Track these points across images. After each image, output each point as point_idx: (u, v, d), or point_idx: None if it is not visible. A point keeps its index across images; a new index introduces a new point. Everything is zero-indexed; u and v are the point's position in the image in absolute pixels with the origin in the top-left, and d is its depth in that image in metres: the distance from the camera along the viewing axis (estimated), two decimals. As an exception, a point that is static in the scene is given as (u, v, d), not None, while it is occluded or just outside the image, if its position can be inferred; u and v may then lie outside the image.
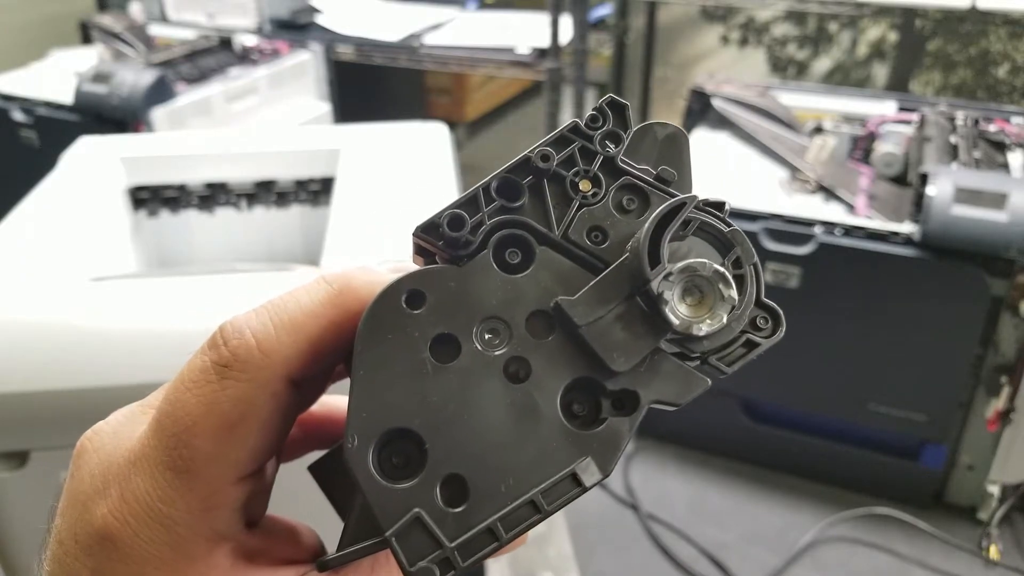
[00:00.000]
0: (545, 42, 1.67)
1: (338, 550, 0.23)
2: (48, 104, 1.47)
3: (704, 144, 1.42)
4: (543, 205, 0.23)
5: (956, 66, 2.03)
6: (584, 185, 0.23)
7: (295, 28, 1.86)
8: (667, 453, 1.41)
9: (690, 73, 2.29)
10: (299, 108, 1.67)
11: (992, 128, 1.32)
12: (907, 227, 1.14)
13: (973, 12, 1.51)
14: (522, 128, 2.87)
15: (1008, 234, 1.04)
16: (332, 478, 0.28)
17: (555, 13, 1.61)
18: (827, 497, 1.31)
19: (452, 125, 1.56)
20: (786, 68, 2.27)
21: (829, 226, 1.16)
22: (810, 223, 1.17)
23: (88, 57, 1.70)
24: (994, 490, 1.21)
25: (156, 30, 1.85)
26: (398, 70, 1.91)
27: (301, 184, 1.06)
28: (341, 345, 0.23)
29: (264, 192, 1.06)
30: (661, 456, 1.40)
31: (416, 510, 0.21)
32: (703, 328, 0.21)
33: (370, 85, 2.12)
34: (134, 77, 1.37)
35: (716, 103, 1.47)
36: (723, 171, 1.35)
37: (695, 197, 0.22)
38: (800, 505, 1.30)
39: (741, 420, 1.34)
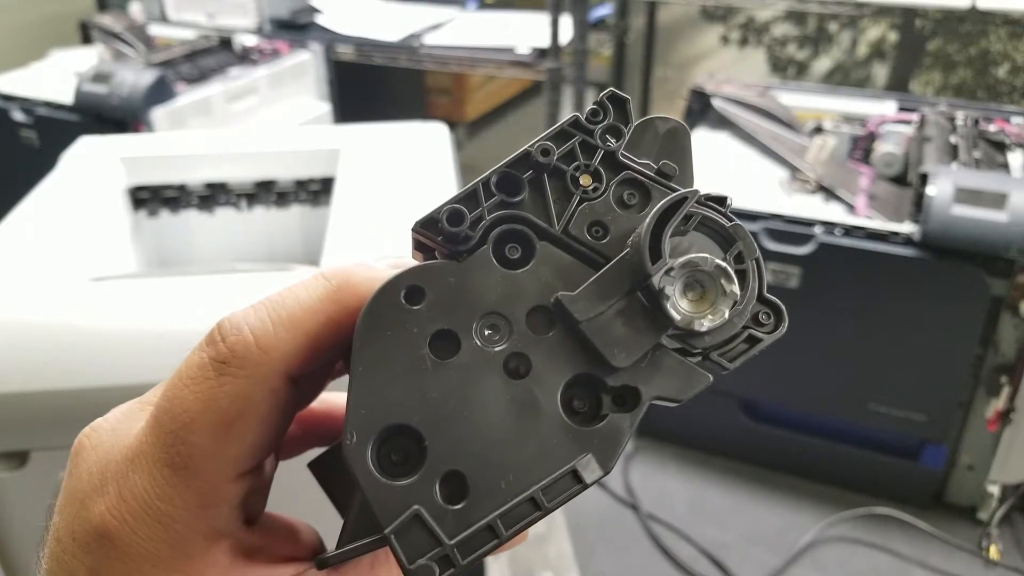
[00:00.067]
0: (545, 42, 1.67)
1: (337, 547, 0.23)
2: (48, 104, 1.47)
3: (704, 144, 1.42)
4: (543, 200, 0.23)
5: (956, 66, 2.03)
6: (585, 180, 0.23)
7: (295, 28, 1.86)
8: (667, 453, 1.41)
9: (690, 73, 2.28)
10: (299, 108, 1.67)
11: (992, 128, 1.32)
12: (907, 227, 1.14)
13: (973, 12, 1.51)
14: (522, 128, 2.87)
15: (1008, 234, 1.04)
16: (332, 475, 0.28)
17: (555, 13, 1.61)
18: (827, 497, 1.31)
19: (452, 125, 1.56)
20: (786, 68, 2.26)
21: (829, 226, 1.16)
22: (810, 223, 1.17)
23: (88, 57, 1.70)
24: (994, 490, 1.21)
25: (156, 30, 1.85)
26: (398, 70, 1.91)
27: (301, 184, 1.06)
28: (340, 341, 0.23)
29: (264, 192, 1.06)
30: (661, 456, 1.40)
31: (415, 507, 0.20)
32: (705, 324, 0.21)
33: (370, 85, 2.12)
34: (134, 77, 1.37)
35: (716, 103, 1.46)
36: (723, 171, 1.35)
37: (696, 192, 0.22)
38: (800, 505, 1.30)
39: (741, 420, 1.34)
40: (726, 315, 0.21)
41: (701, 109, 1.50)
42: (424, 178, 0.96)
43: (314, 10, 1.95)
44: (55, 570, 0.22)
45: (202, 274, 0.80)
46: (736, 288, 0.21)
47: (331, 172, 1.01)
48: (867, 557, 1.21)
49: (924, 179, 1.12)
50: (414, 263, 0.23)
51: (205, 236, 1.06)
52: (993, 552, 1.19)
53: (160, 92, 1.38)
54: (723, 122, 1.46)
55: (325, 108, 1.72)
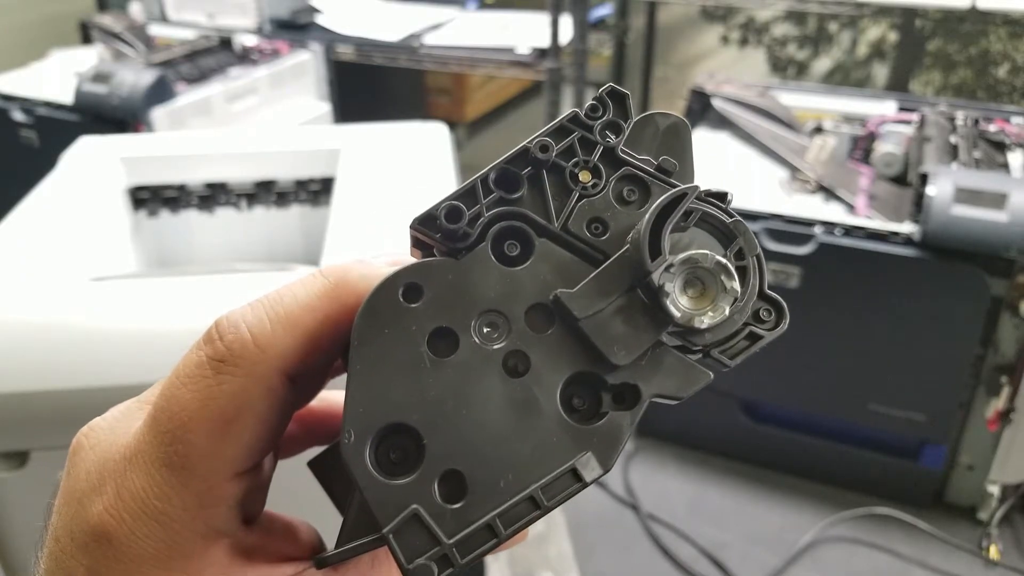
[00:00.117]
0: (545, 42, 1.67)
1: (336, 547, 0.23)
2: (48, 104, 1.47)
3: (704, 144, 1.42)
4: (542, 196, 0.23)
5: (956, 66, 2.03)
6: (584, 176, 0.23)
7: (295, 28, 1.86)
8: (667, 453, 1.41)
9: (690, 73, 2.28)
10: (299, 108, 1.67)
11: (992, 128, 1.32)
12: (907, 227, 1.14)
13: (973, 12, 1.51)
14: (522, 128, 2.87)
15: (1008, 234, 1.04)
16: (331, 474, 0.28)
17: (555, 13, 1.61)
18: (827, 497, 1.30)
19: (452, 125, 1.56)
20: (786, 68, 2.26)
21: (829, 226, 1.16)
22: (810, 223, 1.17)
23: (88, 57, 1.69)
24: (994, 490, 1.21)
25: (156, 30, 1.85)
26: (398, 70, 1.91)
27: (301, 184, 1.06)
28: (338, 339, 0.23)
29: (264, 192, 1.06)
30: (661, 456, 1.40)
31: (414, 506, 0.20)
32: (705, 321, 0.21)
33: (370, 85, 2.12)
34: (134, 77, 1.37)
35: (716, 103, 1.46)
36: (723, 171, 1.35)
37: (696, 187, 0.22)
38: (800, 505, 1.30)
39: (741, 420, 1.34)
40: (727, 312, 0.21)
41: (701, 109, 1.50)
42: (424, 178, 0.96)
43: (314, 10, 1.95)
44: (53, 570, 0.22)
45: (202, 274, 0.80)
46: (737, 285, 0.21)
47: (331, 172, 1.01)
48: (867, 557, 1.21)
49: (924, 179, 1.12)
50: (412, 261, 0.23)
51: (205, 236, 1.06)
52: (993, 552, 1.19)
53: (160, 92, 1.37)
54: (723, 122, 1.46)
55: (325, 108, 1.71)
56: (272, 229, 1.07)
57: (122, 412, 0.24)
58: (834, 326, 1.21)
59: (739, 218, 0.22)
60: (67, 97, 1.43)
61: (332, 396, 0.28)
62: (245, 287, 0.76)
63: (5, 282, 0.76)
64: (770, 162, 1.36)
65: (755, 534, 1.25)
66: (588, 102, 0.23)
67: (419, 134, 1.06)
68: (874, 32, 2.15)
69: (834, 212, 1.21)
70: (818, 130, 1.42)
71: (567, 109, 0.23)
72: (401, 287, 0.22)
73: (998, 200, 1.06)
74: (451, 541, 0.20)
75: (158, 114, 1.36)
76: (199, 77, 1.53)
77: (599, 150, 0.23)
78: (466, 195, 0.22)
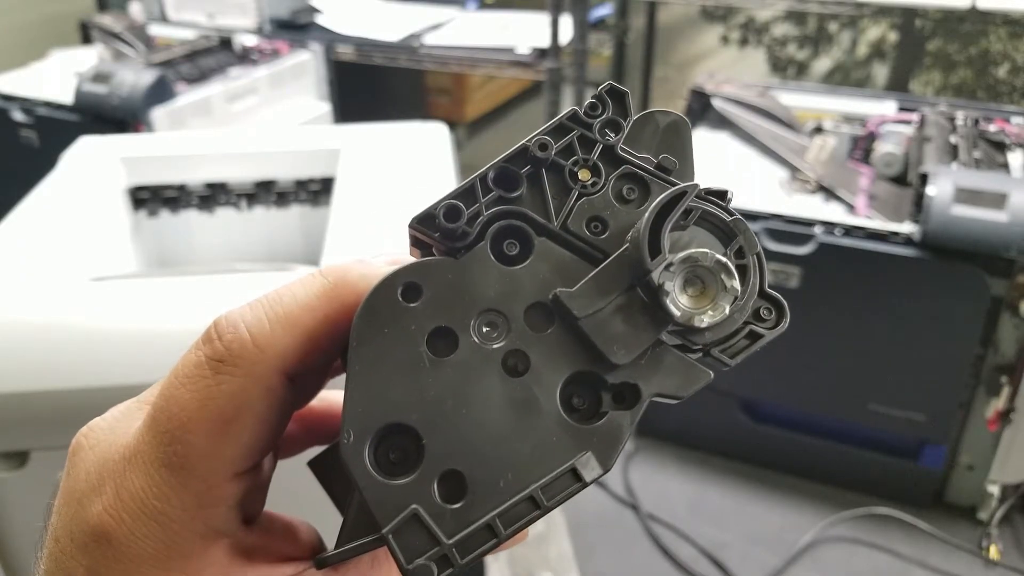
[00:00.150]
0: (545, 42, 1.67)
1: (336, 547, 0.23)
2: (48, 104, 1.47)
3: (704, 144, 1.42)
4: (541, 195, 0.23)
5: (956, 66, 2.03)
6: (583, 174, 0.23)
7: (295, 28, 1.86)
8: (667, 453, 1.40)
9: (690, 73, 2.29)
10: (299, 108, 1.67)
11: (992, 128, 1.32)
12: (907, 227, 1.14)
13: (973, 12, 1.51)
14: (522, 128, 2.86)
15: (1008, 234, 1.04)
16: (331, 474, 0.28)
17: (555, 13, 1.61)
18: (827, 497, 1.30)
19: (452, 125, 1.56)
20: (786, 68, 2.26)
21: (829, 226, 1.16)
22: (810, 223, 1.17)
23: (88, 57, 1.69)
24: (994, 490, 1.21)
25: (156, 30, 1.85)
26: (398, 70, 1.91)
27: (301, 184, 1.06)
28: (338, 339, 0.23)
29: (264, 192, 1.06)
30: (661, 456, 1.40)
31: (413, 506, 0.20)
32: (705, 319, 0.21)
33: (370, 85, 2.12)
34: (134, 77, 1.37)
35: (716, 103, 1.46)
36: (723, 171, 1.34)
37: (696, 186, 0.22)
38: (800, 505, 1.30)
39: (741, 420, 1.34)
40: (727, 311, 0.21)
41: (701, 109, 1.50)
42: (424, 178, 0.96)
43: (314, 10, 1.95)
44: (53, 570, 0.22)
45: (202, 274, 0.80)
46: (737, 283, 0.21)
47: (331, 172, 1.01)
48: (867, 557, 1.21)
49: (924, 179, 1.12)
50: (411, 260, 0.23)
51: (205, 236, 1.06)
52: (993, 552, 1.19)
53: (160, 92, 1.37)
54: (723, 122, 1.46)
55: (325, 108, 1.71)
56: (272, 229, 1.07)
57: (121, 412, 0.24)
58: (834, 326, 1.21)
59: (739, 216, 0.22)
60: (67, 97, 1.43)
61: (332, 396, 0.28)
62: (245, 287, 0.76)
63: (5, 282, 0.76)
64: (770, 162, 1.36)
65: (755, 534, 1.25)
66: (588, 100, 0.23)
67: (419, 134, 1.06)
68: (874, 32, 2.15)
69: (834, 212, 1.21)
70: (818, 130, 1.42)
71: (567, 109, 0.23)
72: (400, 287, 0.22)
73: (998, 200, 1.06)
74: (451, 541, 0.20)
75: (158, 114, 1.36)
76: (199, 77, 1.53)
77: (598, 148, 0.23)
78: (465, 194, 0.22)
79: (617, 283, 0.21)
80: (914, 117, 1.38)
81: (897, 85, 2.11)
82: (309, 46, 1.74)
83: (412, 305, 0.21)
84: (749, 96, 1.47)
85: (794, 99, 1.51)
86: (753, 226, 1.21)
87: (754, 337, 0.22)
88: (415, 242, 0.23)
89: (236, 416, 0.22)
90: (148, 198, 1.03)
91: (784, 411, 1.34)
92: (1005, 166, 1.23)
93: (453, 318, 0.21)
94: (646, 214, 0.21)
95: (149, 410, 0.22)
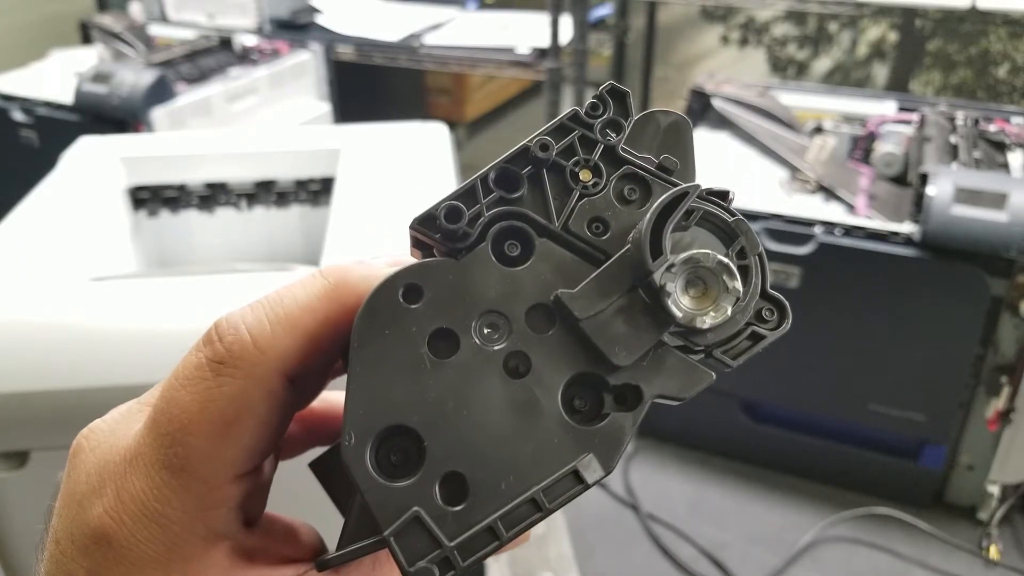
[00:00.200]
0: (545, 42, 1.67)
1: (338, 549, 0.23)
2: (48, 104, 1.47)
3: (704, 144, 1.42)
4: (542, 196, 0.23)
5: (956, 66, 2.03)
6: (584, 175, 0.23)
7: (295, 28, 1.86)
8: (667, 453, 1.40)
9: (690, 73, 2.29)
10: (299, 108, 1.67)
11: (992, 128, 1.32)
12: (907, 227, 1.14)
13: (973, 12, 1.51)
14: (522, 128, 2.86)
15: (1008, 234, 1.04)
16: (333, 475, 0.28)
17: (555, 13, 1.60)
18: (827, 497, 1.30)
19: (452, 125, 1.56)
20: (786, 68, 2.26)
21: (829, 226, 1.16)
22: (810, 223, 1.17)
23: (88, 57, 1.69)
24: (994, 490, 1.21)
25: (156, 30, 1.85)
26: (398, 70, 1.91)
27: (301, 184, 1.06)
28: (338, 340, 0.23)
29: (264, 192, 1.06)
30: (661, 456, 1.40)
31: (415, 509, 0.20)
32: (707, 321, 0.21)
33: (370, 85, 2.12)
34: (134, 77, 1.37)
35: (716, 103, 1.46)
36: (723, 171, 1.34)
37: (698, 186, 0.22)
38: (800, 505, 1.30)
39: (741, 420, 1.34)
40: (729, 312, 0.21)
41: (701, 109, 1.50)
42: (424, 178, 0.96)
43: (314, 10, 1.95)
44: (54, 573, 0.22)
45: (202, 274, 0.80)
46: (739, 284, 0.21)
47: (331, 172, 1.01)
48: (867, 557, 1.21)
49: (924, 179, 1.12)
50: (412, 261, 0.23)
51: (205, 236, 1.06)
52: (993, 552, 1.19)
53: (160, 92, 1.37)
54: (723, 122, 1.46)
55: (325, 108, 1.71)
56: (272, 229, 1.07)
57: (122, 414, 0.24)
58: (834, 326, 1.21)
59: (741, 217, 0.22)
60: (67, 97, 1.43)
61: (333, 396, 0.28)
62: (245, 287, 0.76)
63: (5, 282, 0.76)
64: (770, 162, 1.36)
65: (755, 534, 1.25)
66: (588, 100, 0.23)
67: (419, 134, 1.06)
68: (874, 32, 2.15)
69: (834, 212, 1.21)
70: (818, 130, 1.42)
71: (567, 109, 0.23)
72: (401, 288, 0.21)
73: (998, 200, 1.06)
74: (452, 544, 0.20)
75: (158, 114, 1.36)
76: (199, 77, 1.53)
77: (600, 149, 0.23)
78: (466, 195, 0.22)
79: (618, 284, 0.21)
80: (914, 117, 1.38)
81: (897, 85, 2.11)
82: (309, 46, 1.74)
83: (413, 306, 0.21)
84: (749, 96, 1.47)
85: (794, 99, 1.51)
86: (753, 226, 1.21)
87: (756, 338, 0.22)
88: (416, 243, 0.23)
89: (237, 418, 0.21)
90: (148, 198, 1.03)
91: (784, 411, 1.34)
92: (1005, 166, 1.23)
93: (454, 319, 0.21)
94: (647, 215, 0.21)
95: (150, 412, 0.22)
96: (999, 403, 1.14)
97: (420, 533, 0.20)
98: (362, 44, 1.78)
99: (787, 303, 0.22)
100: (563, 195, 0.23)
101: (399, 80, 2.32)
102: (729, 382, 1.29)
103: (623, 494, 1.32)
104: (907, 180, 1.27)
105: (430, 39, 1.80)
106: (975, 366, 1.15)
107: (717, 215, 0.22)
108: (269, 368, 0.22)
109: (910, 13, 2.02)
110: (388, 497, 0.20)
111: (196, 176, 1.04)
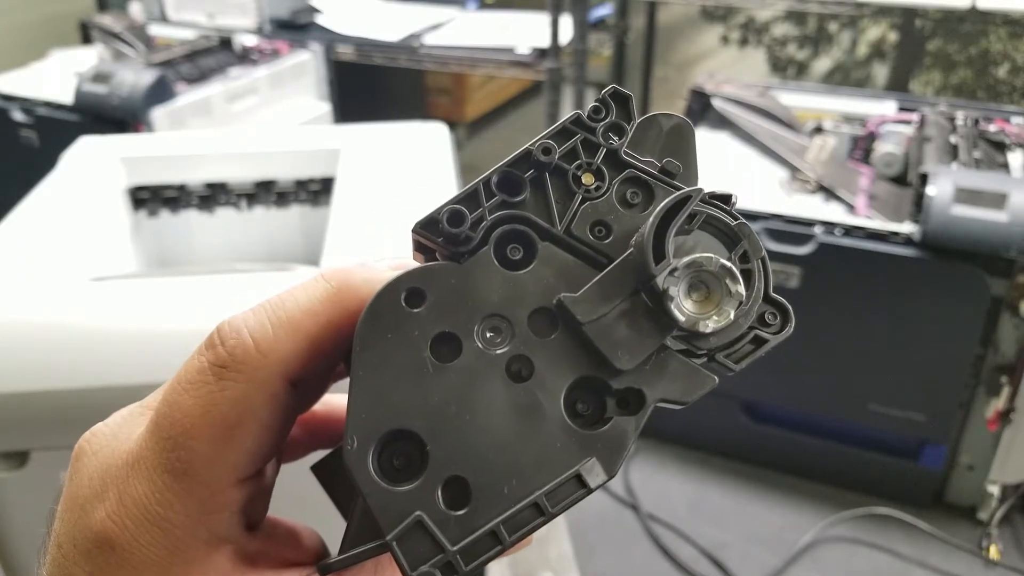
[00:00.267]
0: (545, 42, 1.67)
1: (340, 552, 0.23)
2: (48, 104, 1.47)
3: (704, 144, 1.42)
4: (545, 199, 0.23)
5: (956, 66, 2.03)
6: (587, 178, 0.23)
7: (295, 28, 1.86)
8: (667, 453, 1.40)
9: (690, 73, 2.28)
10: (299, 108, 1.67)
11: (992, 128, 1.32)
12: (907, 227, 1.14)
13: (973, 12, 1.51)
14: (522, 128, 2.87)
15: (1008, 234, 1.04)
16: (335, 478, 0.28)
17: (555, 13, 1.60)
18: (827, 497, 1.30)
19: (452, 125, 1.56)
20: (786, 68, 2.26)
21: (829, 226, 1.16)
22: (810, 223, 1.17)
23: (88, 57, 1.69)
24: (994, 490, 1.21)
25: (156, 30, 1.85)
26: (398, 70, 1.90)
27: (301, 184, 1.06)
28: (341, 344, 0.23)
29: (264, 192, 1.06)
30: (661, 456, 1.40)
31: (417, 513, 0.20)
32: (710, 325, 0.21)
33: (370, 85, 2.12)
34: (134, 77, 1.37)
35: (716, 103, 1.46)
36: (723, 171, 1.34)
37: (701, 190, 0.22)
38: (800, 505, 1.30)
39: (741, 420, 1.34)
40: (731, 316, 0.21)
41: (701, 109, 1.50)
42: (424, 178, 0.96)
43: (314, 10, 1.95)
44: (56, 576, 0.22)
45: (202, 274, 0.80)
46: (741, 288, 0.21)
47: (331, 172, 1.01)
48: (867, 557, 1.21)
49: (924, 179, 1.12)
50: (415, 265, 0.23)
51: (205, 236, 1.06)
52: (993, 552, 1.19)
53: (160, 92, 1.37)
54: (723, 122, 1.46)
55: (325, 108, 1.71)
56: (272, 229, 1.07)
57: (124, 417, 0.24)
58: (834, 326, 1.21)
59: (743, 220, 0.22)
60: (67, 97, 1.42)
61: (335, 400, 0.28)
62: (245, 287, 0.76)
63: (5, 282, 0.76)
64: (770, 162, 1.36)
65: (755, 534, 1.25)
66: (591, 104, 0.23)
67: (419, 134, 1.06)
68: (874, 32, 2.15)
69: (834, 212, 1.21)
70: (818, 130, 1.42)
71: (567, 109, 0.23)
72: (403, 292, 0.21)
73: (998, 200, 1.06)
74: (455, 548, 0.20)
75: (158, 114, 1.36)
76: (199, 77, 1.53)
77: (602, 152, 0.23)
78: (468, 198, 0.22)
79: (621, 288, 0.21)
80: (914, 117, 1.38)
81: (897, 85, 2.11)
82: (309, 46, 1.73)
83: (416, 310, 0.21)
84: (749, 96, 1.47)
85: (794, 99, 1.51)
86: (753, 226, 1.21)
87: (759, 342, 0.22)
88: (418, 247, 0.23)
89: (239, 422, 0.21)
90: (148, 198, 1.03)
91: (784, 411, 1.34)
92: (1005, 166, 1.23)
93: (457, 323, 0.21)
94: (650, 218, 0.21)
95: (152, 415, 0.22)
96: (999, 403, 1.14)
97: (423, 537, 0.20)
98: (362, 44, 1.78)
99: (790, 307, 0.22)
100: (565, 199, 0.23)
101: (399, 80, 2.32)
102: (729, 382, 1.29)
103: (623, 494, 1.32)
104: (907, 180, 1.27)
105: (430, 39, 1.80)
106: (975, 366, 1.15)
107: (720, 219, 0.22)
108: (271, 372, 0.22)
109: (910, 13, 2.02)
110: (390, 501, 0.20)
111: (196, 176, 1.03)
